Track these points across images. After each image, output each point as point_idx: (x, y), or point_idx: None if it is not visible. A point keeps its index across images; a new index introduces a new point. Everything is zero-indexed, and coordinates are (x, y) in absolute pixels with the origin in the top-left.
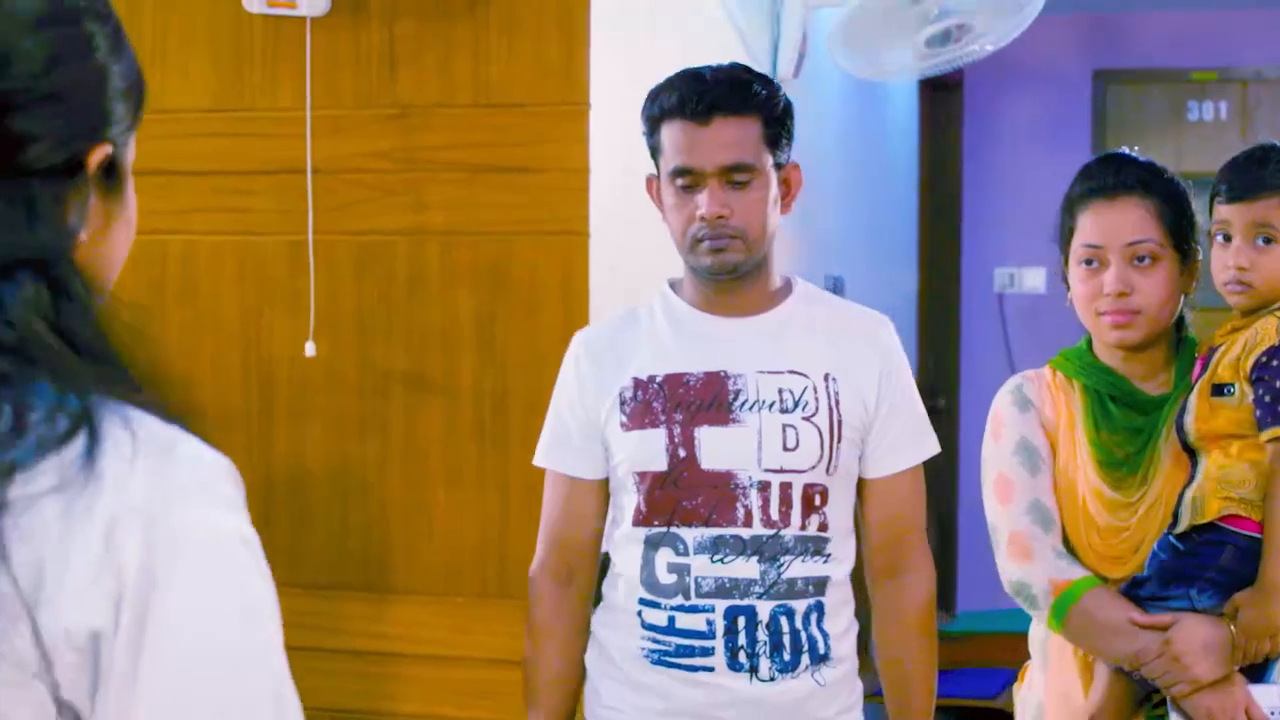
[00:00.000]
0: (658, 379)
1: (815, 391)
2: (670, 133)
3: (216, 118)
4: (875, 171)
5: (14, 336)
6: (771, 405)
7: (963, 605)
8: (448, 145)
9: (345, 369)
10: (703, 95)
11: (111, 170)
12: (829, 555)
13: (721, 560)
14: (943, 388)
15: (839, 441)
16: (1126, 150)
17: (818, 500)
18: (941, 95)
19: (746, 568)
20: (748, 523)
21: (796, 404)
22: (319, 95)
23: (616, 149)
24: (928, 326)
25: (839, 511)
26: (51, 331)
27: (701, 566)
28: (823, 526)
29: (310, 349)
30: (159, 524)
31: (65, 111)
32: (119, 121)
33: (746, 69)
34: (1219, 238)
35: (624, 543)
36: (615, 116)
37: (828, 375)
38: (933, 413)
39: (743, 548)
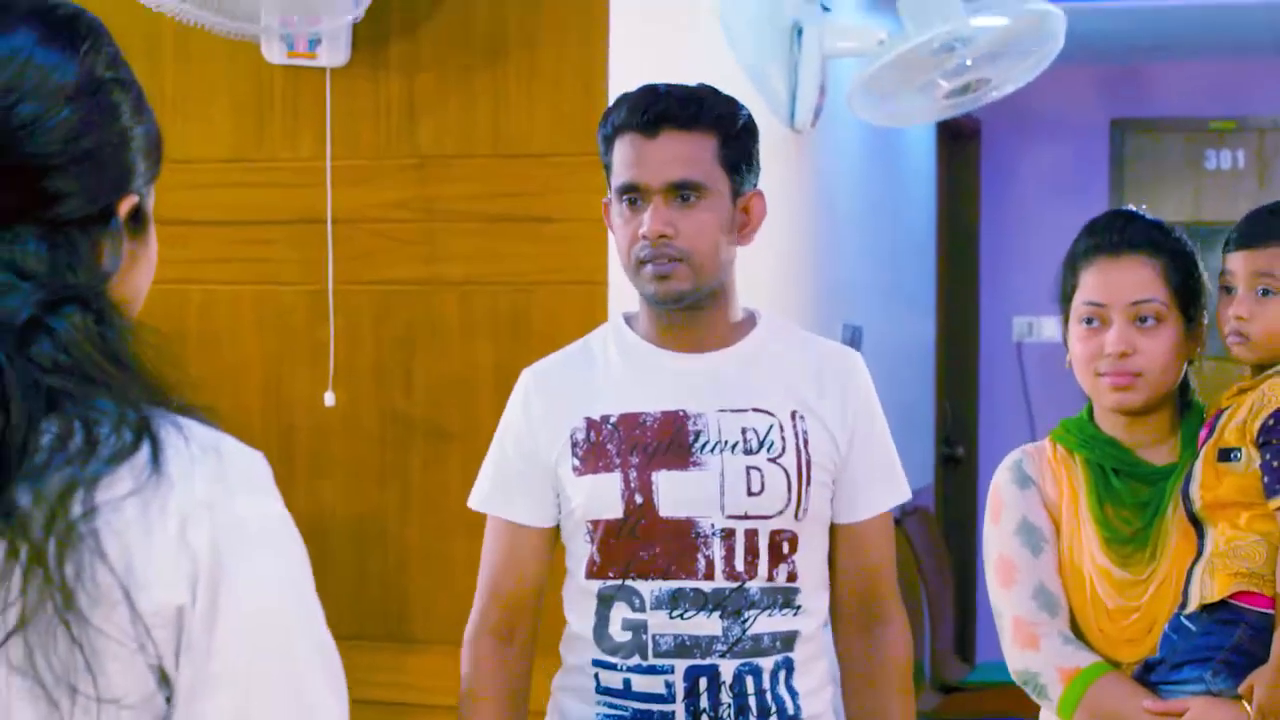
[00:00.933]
0: (612, 419)
1: (782, 430)
2: (620, 148)
3: (236, 168)
4: (893, 220)
5: (70, 360)
6: (734, 446)
7: (982, 655)
8: (467, 195)
9: (365, 418)
10: (651, 107)
11: (137, 216)
12: (799, 607)
13: (681, 616)
14: (961, 436)
15: (808, 484)
16: (1134, 208)
17: (786, 548)
18: (959, 144)
19: (708, 624)
20: (709, 575)
21: (761, 444)
22: (339, 145)
23: None
24: (946, 375)
25: (810, 560)
26: (100, 354)
27: (659, 623)
28: (792, 576)
29: (330, 398)
30: (221, 513)
31: (95, 170)
32: (142, 174)
33: (711, 89)
34: (1225, 288)
35: (577, 597)
36: None
37: (795, 413)
38: (951, 461)
39: (704, 602)
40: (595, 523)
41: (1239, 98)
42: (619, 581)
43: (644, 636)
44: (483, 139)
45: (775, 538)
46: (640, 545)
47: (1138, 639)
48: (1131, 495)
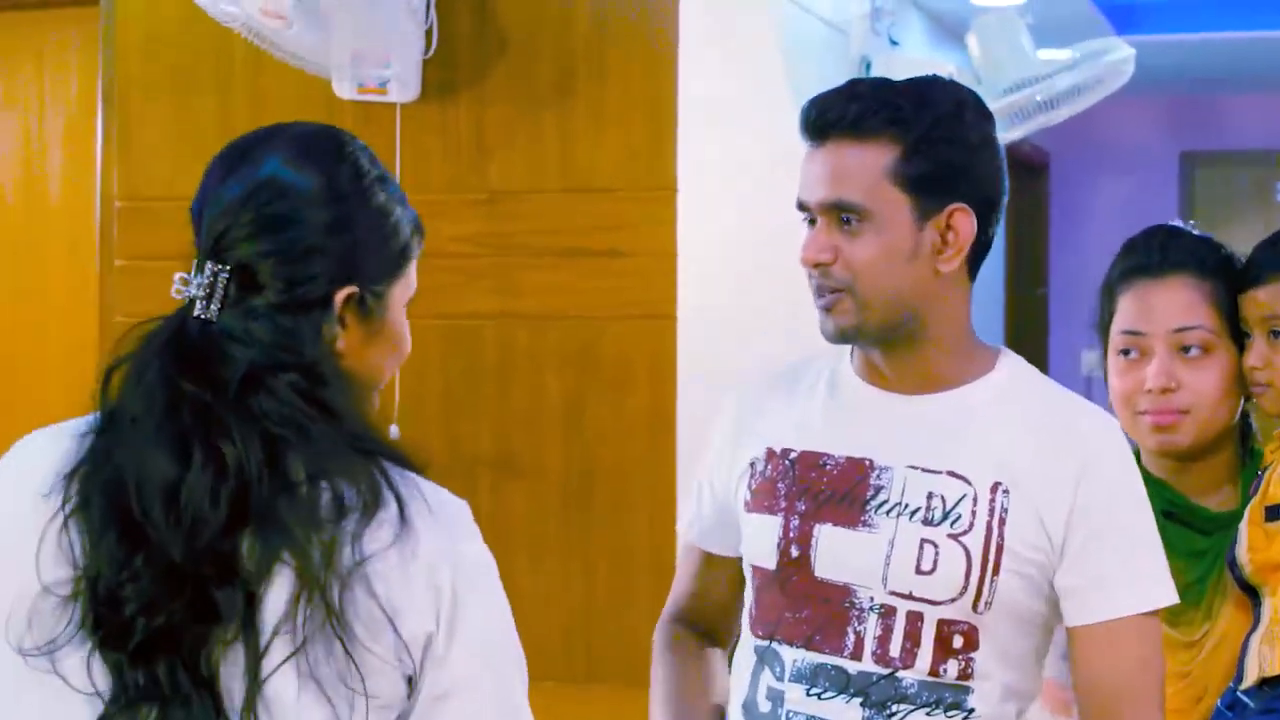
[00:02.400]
0: (793, 454)
1: (975, 503)
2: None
3: None
4: None
5: (284, 411)
6: (915, 513)
7: None
8: (536, 230)
9: (432, 451)
10: (822, 107)
11: (363, 303)
12: (971, 712)
13: (818, 695)
14: None
15: (995, 573)
16: (1180, 223)
17: (958, 642)
18: (1029, 177)
19: (846, 710)
20: (856, 654)
21: (945, 516)
22: (408, 180)
23: (705, 233)
24: None
25: (997, 662)
26: (312, 407)
27: (795, 699)
28: (965, 675)
29: (394, 431)
30: (456, 558)
31: (326, 263)
32: (367, 270)
33: (929, 82)
34: (1245, 334)
35: (741, 649)
36: (703, 200)
37: (997, 485)
38: None
39: (845, 684)
40: (755, 569)
41: None
42: (766, 642)
43: (780, 710)
44: (552, 174)
45: (944, 628)
46: (789, 604)
47: (1185, 709)
48: (1185, 544)
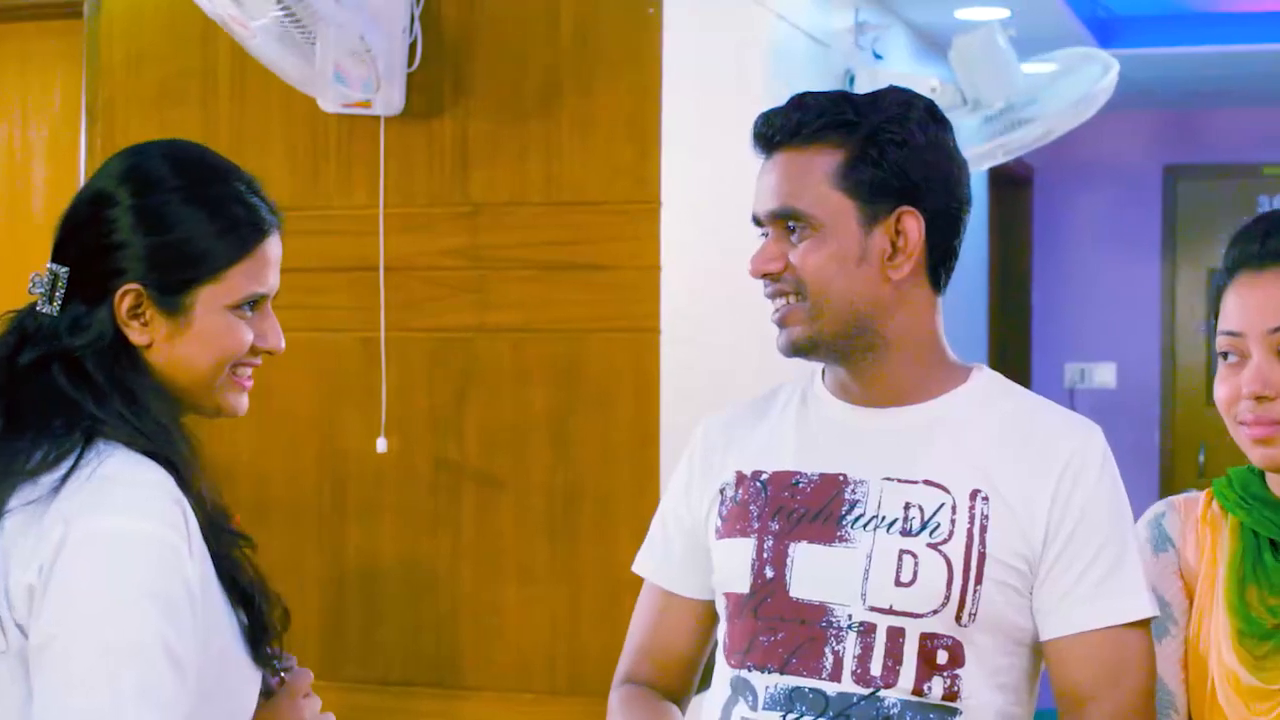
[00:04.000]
0: (763, 475)
1: (954, 511)
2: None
3: (291, 216)
4: None
5: (47, 392)
6: (892, 524)
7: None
8: (520, 243)
9: (417, 465)
10: (770, 121)
11: (161, 302)
12: None
13: None
14: None
15: (978, 582)
16: None
17: (942, 658)
18: (1012, 190)
19: None
20: (835, 675)
21: (924, 525)
22: (392, 193)
23: (688, 247)
24: None
25: (985, 680)
26: (77, 393)
27: None
28: (951, 694)
29: (382, 445)
30: (81, 524)
31: (109, 265)
32: (154, 274)
33: (875, 91)
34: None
35: (714, 686)
36: (687, 214)
37: (976, 493)
38: None
39: (823, 707)
40: (728, 595)
41: None
42: (739, 671)
43: None
44: (535, 187)
45: (926, 643)
46: (762, 629)
47: None
48: None
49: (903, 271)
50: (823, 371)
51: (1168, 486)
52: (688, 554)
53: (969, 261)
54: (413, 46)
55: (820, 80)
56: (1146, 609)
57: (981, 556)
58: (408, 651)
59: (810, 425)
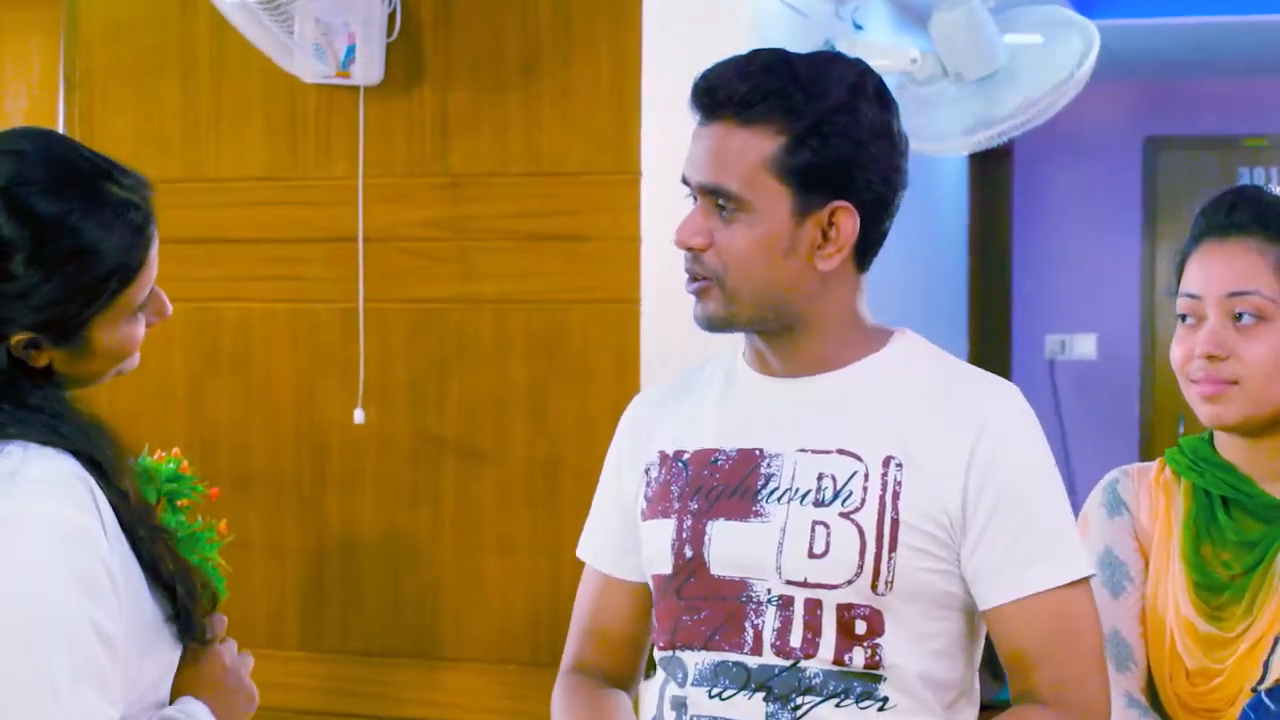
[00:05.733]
0: (685, 455)
1: (866, 479)
2: None
3: (270, 186)
4: (925, 240)
5: None
6: (805, 496)
7: None
8: (500, 214)
9: (397, 436)
10: (713, 85)
11: (64, 339)
12: (885, 702)
13: (719, 696)
14: None
15: (892, 550)
16: (1262, 185)
17: (861, 628)
18: (991, 163)
19: (748, 706)
20: (756, 649)
21: (836, 495)
22: (371, 164)
23: (668, 218)
24: None
25: (910, 649)
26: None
27: (698, 702)
28: (873, 664)
29: (359, 416)
30: None
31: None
32: (29, 324)
33: (827, 60)
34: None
35: (654, 673)
36: (667, 186)
37: (890, 459)
38: None
39: (745, 680)
40: (654, 579)
41: (1273, 115)
42: (670, 652)
43: (683, 717)
44: (516, 158)
45: (844, 614)
46: (685, 609)
47: (1219, 709)
48: (1237, 532)
49: (831, 264)
50: (744, 343)
51: (1148, 456)
52: (623, 536)
53: (949, 235)
54: (391, 17)
55: (801, 50)
56: (1084, 568)
57: (895, 523)
58: (388, 623)
59: (731, 402)
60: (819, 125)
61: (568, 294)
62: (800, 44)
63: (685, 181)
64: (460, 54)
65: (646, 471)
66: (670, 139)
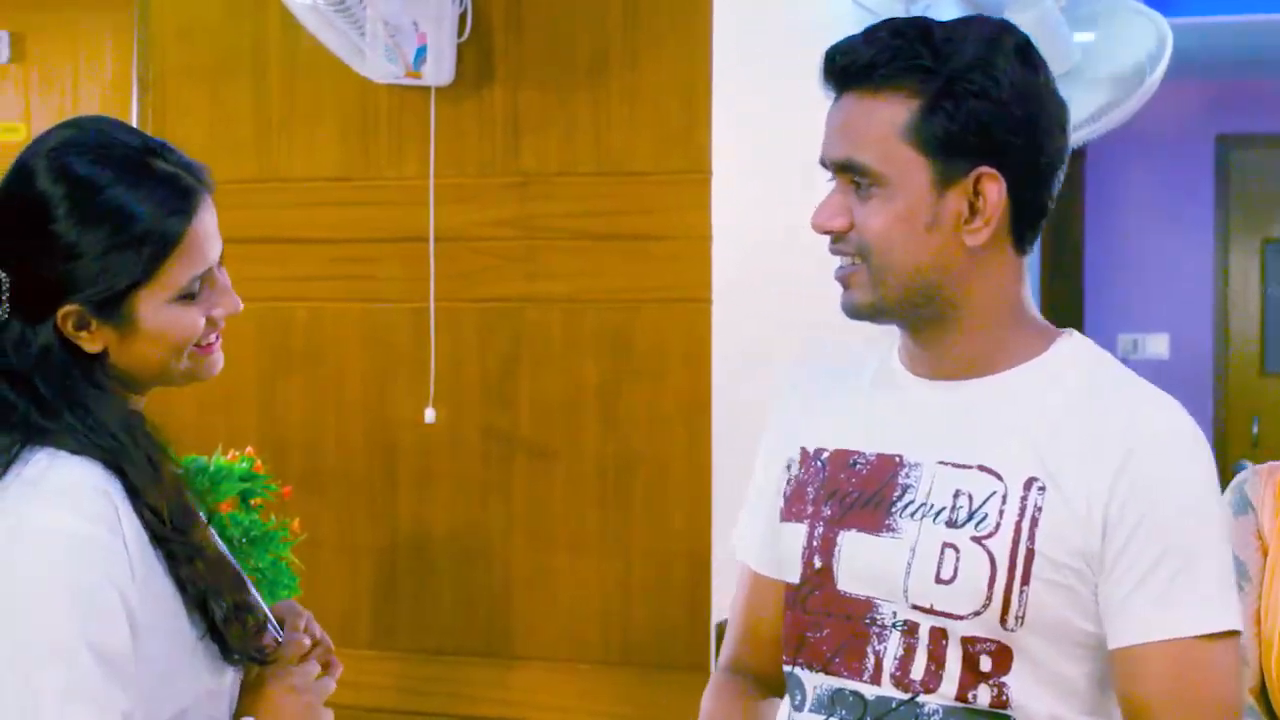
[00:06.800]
0: (825, 454)
1: (1004, 501)
2: None
3: (341, 187)
4: None
5: None
6: (939, 513)
7: None
8: (570, 213)
9: (469, 435)
10: (838, 57)
11: (103, 315)
12: None
13: None
14: None
15: (1024, 582)
16: None
17: (987, 664)
18: None
19: None
20: (875, 678)
21: (970, 517)
22: (442, 164)
23: (739, 216)
24: None
25: (1047, 688)
26: (21, 402)
27: None
28: (1000, 702)
29: (430, 415)
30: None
31: (41, 284)
32: (89, 290)
33: (960, 23)
34: None
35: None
36: (737, 184)
37: (1032, 481)
38: None
39: (861, 711)
40: (786, 585)
41: None
42: (790, 668)
43: None
44: (586, 157)
45: (969, 647)
46: (809, 624)
47: None
48: None
49: (980, 238)
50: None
51: (1221, 457)
52: (767, 531)
53: None
54: (462, 18)
55: None
56: (1221, 621)
57: (1030, 554)
58: (459, 621)
59: (878, 400)
60: (952, 85)
61: (638, 293)
62: None
63: (822, 163)
64: (530, 54)
65: (788, 468)
66: (741, 137)
